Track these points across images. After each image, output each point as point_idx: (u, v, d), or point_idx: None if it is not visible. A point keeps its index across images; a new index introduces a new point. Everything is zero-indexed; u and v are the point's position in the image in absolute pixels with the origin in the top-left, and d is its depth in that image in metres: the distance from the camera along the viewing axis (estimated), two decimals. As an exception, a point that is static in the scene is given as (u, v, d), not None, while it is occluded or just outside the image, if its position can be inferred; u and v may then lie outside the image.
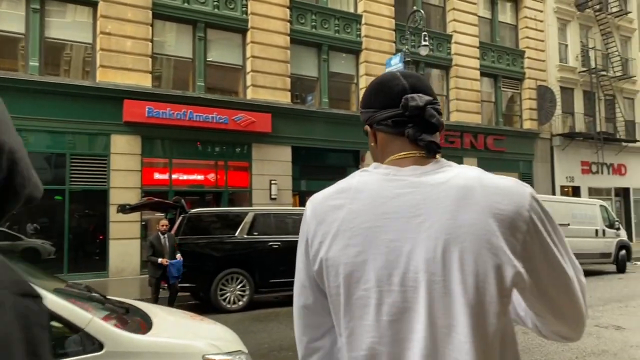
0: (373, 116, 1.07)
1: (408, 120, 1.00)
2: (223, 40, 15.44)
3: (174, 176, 14.42)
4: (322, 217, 0.97)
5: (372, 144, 1.09)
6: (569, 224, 13.36)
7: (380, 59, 17.31)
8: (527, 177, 21.14)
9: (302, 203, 16.08)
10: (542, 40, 22.16)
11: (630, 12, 24.90)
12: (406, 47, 14.84)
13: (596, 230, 13.93)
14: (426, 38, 14.52)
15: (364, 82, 17.48)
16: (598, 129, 22.83)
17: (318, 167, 16.88)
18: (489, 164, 20.01)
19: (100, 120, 13.16)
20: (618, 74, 23.81)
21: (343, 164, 17.41)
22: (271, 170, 15.47)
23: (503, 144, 20.30)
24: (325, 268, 0.94)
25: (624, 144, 23.97)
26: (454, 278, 0.87)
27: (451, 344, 0.86)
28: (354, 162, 17.63)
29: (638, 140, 24.74)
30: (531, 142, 21.47)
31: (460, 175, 0.93)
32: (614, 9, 23.84)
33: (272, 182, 15.33)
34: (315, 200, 1.02)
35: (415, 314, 0.88)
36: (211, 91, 15.07)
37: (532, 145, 21.45)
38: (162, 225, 8.22)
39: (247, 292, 9.05)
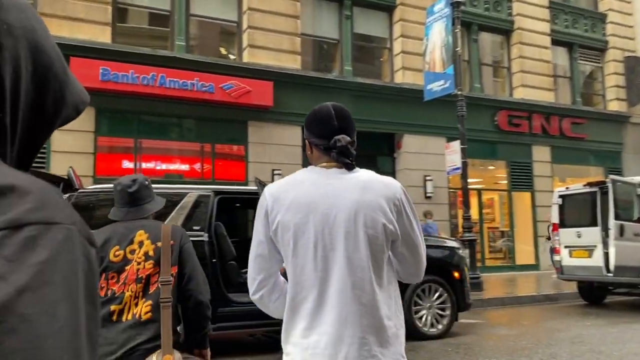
0: (311, 139, 1.63)
1: (333, 149, 1.57)
2: (212, -11, 11.89)
3: (144, 165, 10.81)
4: (277, 196, 1.55)
5: (309, 153, 1.66)
6: None
7: (419, 16, 13.26)
8: (615, 173, 16.34)
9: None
10: (629, 2, 17.51)
11: None
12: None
13: None
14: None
15: (399, 46, 13.48)
16: None
17: (340, 155, 12.89)
18: (565, 154, 15.46)
19: (37, 86, 9.76)
20: None
21: (374, 150, 13.38)
22: (274, 157, 11.63)
23: (583, 129, 15.71)
24: (281, 227, 1.52)
25: None
26: (360, 229, 1.50)
27: (359, 267, 1.49)
28: (387, 149, 13.58)
29: None
30: (619, 127, 16.69)
31: (365, 175, 1.58)
32: None
33: (276, 172, 11.46)
34: (273, 187, 1.60)
35: (337, 249, 1.50)
36: (194, 51, 11.48)
37: (619, 132, 16.68)
38: None
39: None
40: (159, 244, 2.10)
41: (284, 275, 1.61)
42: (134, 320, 1.99)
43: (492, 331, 6.80)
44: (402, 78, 13.33)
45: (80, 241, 0.47)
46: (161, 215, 5.37)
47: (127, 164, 10.70)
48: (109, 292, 2.03)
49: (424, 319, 6.30)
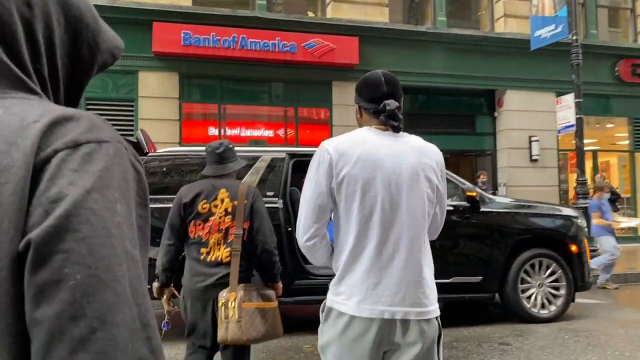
0: (361, 103, 1.78)
1: (382, 112, 1.72)
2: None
3: (228, 131, 10.61)
4: (342, 151, 1.66)
5: (358, 116, 1.81)
6: None
7: (525, -46, 11.64)
8: None
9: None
10: None
11: None
12: None
13: None
14: None
15: (500, -9, 11.97)
16: None
17: (433, 115, 11.86)
18: None
19: (123, 53, 9.76)
20: None
21: (471, 109, 12.16)
22: (361, 118, 10.89)
23: None
24: (348, 179, 1.65)
25: None
26: (421, 187, 1.68)
27: (418, 221, 1.68)
28: (487, 107, 12.27)
29: None
30: None
31: (417, 140, 1.76)
32: None
33: (363, 135, 10.75)
34: (335, 142, 1.70)
35: (401, 204, 1.65)
36: (275, 9, 10.94)
37: None
38: None
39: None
40: (236, 202, 2.64)
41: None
42: (217, 261, 2.62)
43: (618, 315, 5.72)
44: (504, 27, 11.87)
45: (127, 155, 0.57)
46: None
47: (213, 131, 10.54)
48: (196, 237, 2.65)
49: (532, 298, 5.41)
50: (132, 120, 9.95)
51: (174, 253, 2.66)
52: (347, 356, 1.64)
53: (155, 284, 2.75)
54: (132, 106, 9.98)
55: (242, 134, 10.72)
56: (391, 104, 1.70)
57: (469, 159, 12.43)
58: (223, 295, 2.53)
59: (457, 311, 6.09)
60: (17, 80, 0.58)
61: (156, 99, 10.01)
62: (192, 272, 2.62)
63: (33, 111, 0.54)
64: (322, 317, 1.73)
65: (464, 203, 5.30)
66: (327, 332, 1.69)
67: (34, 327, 0.48)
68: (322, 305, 1.75)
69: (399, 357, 1.64)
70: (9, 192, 0.50)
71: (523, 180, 11.58)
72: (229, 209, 2.62)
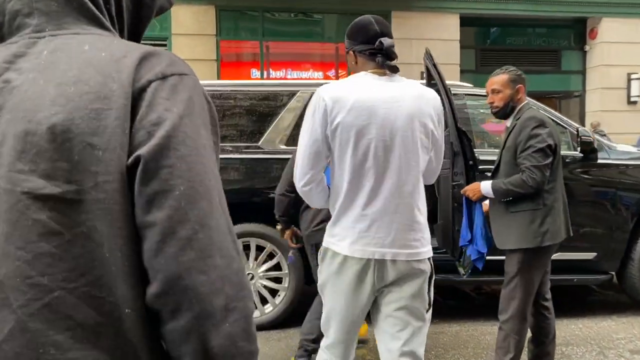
0: (355, 47, 1.79)
1: (378, 52, 1.75)
2: None
3: (272, 73, 9.43)
4: (337, 98, 1.69)
5: (354, 63, 1.82)
6: None
7: None
8: None
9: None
10: None
11: None
12: None
13: None
14: None
15: None
16: None
17: (510, 50, 10.16)
18: None
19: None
20: None
21: (557, 42, 10.35)
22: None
23: None
24: (342, 127, 1.68)
25: None
26: (415, 133, 1.72)
27: (412, 166, 1.73)
28: (575, 40, 10.38)
29: None
30: None
31: (415, 85, 1.77)
32: None
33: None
34: (330, 89, 1.72)
35: (394, 150, 1.70)
36: None
37: None
38: None
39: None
40: None
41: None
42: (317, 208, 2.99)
43: None
44: (603, -62, 9.76)
45: (201, 87, 0.65)
46: (267, 115, 3.95)
47: (255, 73, 9.41)
48: None
49: (665, 282, 4.02)
50: (165, 62, 8.95)
51: (286, 204, 3.00)
52: (341, 294, 1.77)
53: (278, 227, 3.20)
54: (165, 45, 8.93)
55: (288, 76, 9.51)
56: (386, 41, 1.75)
57: (552, 101, 10.66)
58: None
59: (557, 298, 4.79)
60: (93, 17, 0.67)
61: (191, 36, 8.91)
62: (301, 218, 2.99)
63: (117, 47, 0.63)
64: (319, 258, 1.84)
65: (575, 153, 3.91)
66: (324, 271, 1.81)
67: (146, 229, 0.58)
68: (319, 250, 1.86)
69: (390, 295, 1.77)
70: (113, 117, 0.58)
71: (618, 126, 9.77)
72: None
